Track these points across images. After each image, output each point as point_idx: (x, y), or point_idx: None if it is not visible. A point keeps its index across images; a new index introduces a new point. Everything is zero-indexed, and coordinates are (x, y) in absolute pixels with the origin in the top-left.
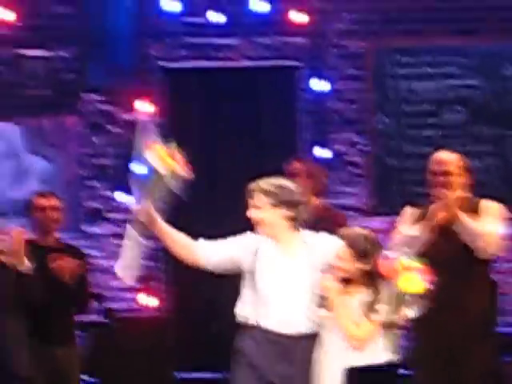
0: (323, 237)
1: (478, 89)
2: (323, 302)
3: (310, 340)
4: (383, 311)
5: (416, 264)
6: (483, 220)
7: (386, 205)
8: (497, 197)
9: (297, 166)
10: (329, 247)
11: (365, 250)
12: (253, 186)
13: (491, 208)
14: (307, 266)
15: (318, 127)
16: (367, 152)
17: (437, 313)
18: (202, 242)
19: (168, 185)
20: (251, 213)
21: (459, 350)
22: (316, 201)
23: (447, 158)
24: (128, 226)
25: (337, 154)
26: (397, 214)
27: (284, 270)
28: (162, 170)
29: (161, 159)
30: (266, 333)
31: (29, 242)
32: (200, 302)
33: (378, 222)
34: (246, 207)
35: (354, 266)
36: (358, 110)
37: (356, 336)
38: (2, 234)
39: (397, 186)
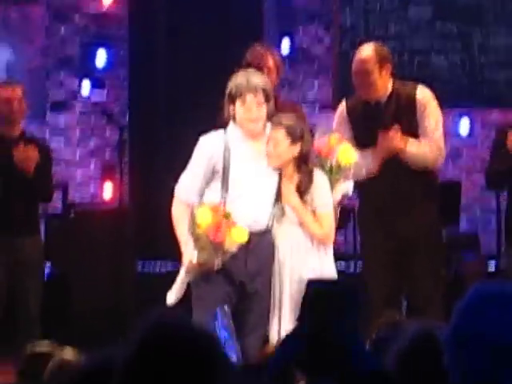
0: None
1: None
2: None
3: (270, 234)
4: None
5: (341, 138)
6: (424, 128)
7: None
8: (462, 93)
9: (273, 60)
10: None
11: (300, 133)
12: (256, 83)
13: (430, 107)
14: None
15: (285, 20)
16: (332, 47)
17: (382, 215)
18: (191, 200)
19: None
20: (258, 111)
21: (407, 250)
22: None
23: (365, 56)
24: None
25: (302, 48)
26: None
27: (256, 169)
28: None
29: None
30: None
31: None
32: (162, 193)
33: None
34: (212, 97)
35: (291, 151)
36: (324, 5)
37: (321, 235)
38: None
39: None
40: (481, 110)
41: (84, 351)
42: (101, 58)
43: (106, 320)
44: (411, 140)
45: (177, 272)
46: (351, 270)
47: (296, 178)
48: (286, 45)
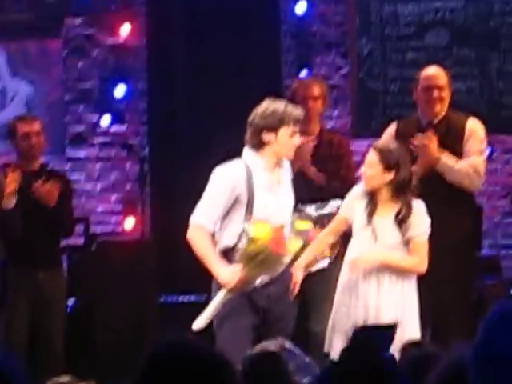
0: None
1: (461, 11)
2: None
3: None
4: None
5: None
6: (467, 151)
7: (368, 128)
8: (480, 118)
9: (319, 89)
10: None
11: (395, 161)
12: (300, 114)
13: (476, 135)
14: (290, 189)
15: (302, 50)
16: (350, 75)
17: None
18: (209, 227)
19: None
20: (298, 140)
21: (440, 272)
22: (319, 124)
23: (438, 72)
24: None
25: (320, 77)
26: (379, 136)
27: (276, 198)
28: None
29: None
30: None
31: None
32: (184, 225)
33: (359, 145)
34: (231, 128)
35: (384, 177)
36: (341, 34)
37: (414, 264)
38: None
39: (379, 109)
40: (499, 136)
41: None
42: (119, 91)
43: (129, 352)
44: (448, 155)
45: (200, 303)
46: None
47: (393, 206)
48: (304, 75)
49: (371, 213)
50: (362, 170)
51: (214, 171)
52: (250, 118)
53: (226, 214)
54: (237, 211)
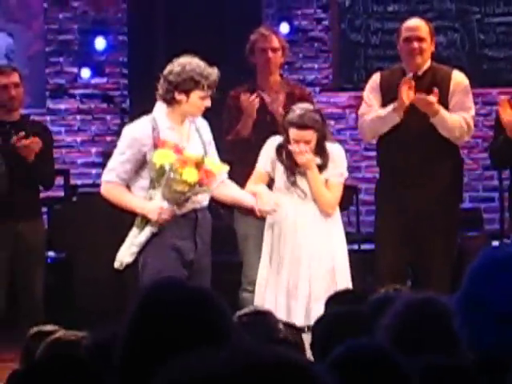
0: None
1: None
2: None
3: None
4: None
5: None
6: (455, 104)
7: (350, 80)
8: (461, 71)
9: (278, 40)
10: None
11: (319, 124)
12: (217, 78)
13: (463, 88)
14: (200, 145)
15: (283, 3)
16: (332, 28)
17: (403, 189)
18: (121, 182)
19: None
20: (209, 103)
21: (423, 225)
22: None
23: (419, 24)
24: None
25: (302, 30)
26: (360, 89)
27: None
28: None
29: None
30: None
31: None
32: None
33: (341, 98)
34: None
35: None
36: None
37: (328, 199)
38: None
39: (361, 61)
40: (481, 89)
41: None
42: (100, 43)
43: (110, 303)
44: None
45: None
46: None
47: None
48: (284, 28)
49: (293, 172)
50: (299, 148)
51: (124, 129)
52: (166, 72)
53: (137, 170)
54: (145, 168)
